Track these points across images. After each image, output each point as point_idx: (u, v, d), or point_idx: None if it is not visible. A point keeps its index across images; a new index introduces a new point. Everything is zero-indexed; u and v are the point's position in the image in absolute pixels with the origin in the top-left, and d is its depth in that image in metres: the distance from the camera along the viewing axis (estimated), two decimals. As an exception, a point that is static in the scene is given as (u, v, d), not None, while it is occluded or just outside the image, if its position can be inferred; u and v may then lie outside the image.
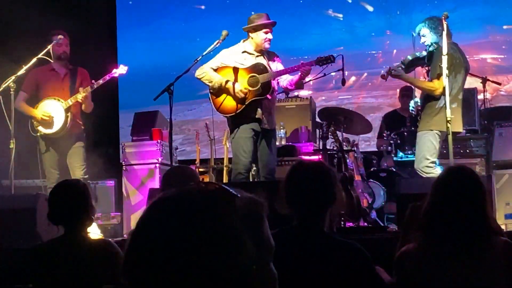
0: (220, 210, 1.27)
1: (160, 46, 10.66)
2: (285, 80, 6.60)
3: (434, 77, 6.23)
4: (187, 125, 10.55)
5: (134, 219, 7.52)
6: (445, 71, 5.96)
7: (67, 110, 6.96)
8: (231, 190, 1.32)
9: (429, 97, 6.30)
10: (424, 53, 6.45)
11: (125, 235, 7.43)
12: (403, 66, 6.48)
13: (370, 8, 10.17)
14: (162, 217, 1.26)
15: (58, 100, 6.98)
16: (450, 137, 5.90)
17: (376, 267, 3.20)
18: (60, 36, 7.03)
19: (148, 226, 1.27)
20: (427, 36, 6.39)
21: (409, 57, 6.51)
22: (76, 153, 7.07)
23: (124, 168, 7.82)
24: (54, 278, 3.38)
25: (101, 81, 7.01)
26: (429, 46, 6.39)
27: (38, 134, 6.98)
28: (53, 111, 6.95)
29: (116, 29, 10.70)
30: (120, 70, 7.17)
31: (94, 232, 5.11)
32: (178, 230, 1.23)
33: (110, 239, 3.57)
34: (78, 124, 7.18)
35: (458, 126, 6.32)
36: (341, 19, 10.29)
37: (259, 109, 6.45)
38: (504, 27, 9.60)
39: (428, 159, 6.18)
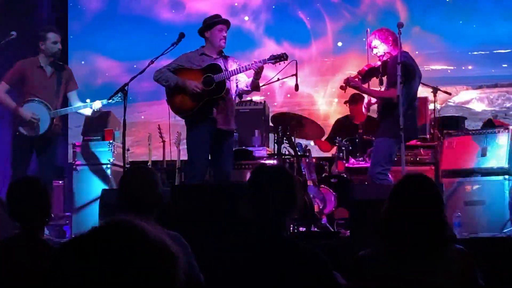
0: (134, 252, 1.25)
1: (112, 46, 10.55)
2: (243, 82, 6.62)
3: (390, 85, 6.36)
4: (137, 127, 10.45)
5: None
6: (399, 80, 6.08)
7: (52, 118, 6.90)
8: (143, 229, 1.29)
9: (387, 105, 6.42)
10: (379, 63, 6.58)
11: (73, 236, 7.34)
12: (360, 77, 6.62)
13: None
14: (79, 260, 1.24)
15: (46, 105, 6.87)
16: (403, 146, 6.01)
17: (333, 272, 3.22)
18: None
19: (64, 267, 1.25)
20: (378, 47, 6.53)
21: (365, 68, 6.64)
22: (49, 152, 7.00)
23: (75, 168, 7.72)
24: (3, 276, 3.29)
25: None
26: (382, 56, 6.52)
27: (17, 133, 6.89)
28: (41, 115, 6.85)
29: (67, 26, 10.54)
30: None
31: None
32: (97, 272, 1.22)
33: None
34: (58, 126, 7.14)
35: (414, 131, 6.51)
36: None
37: (214, 109, 6.44)
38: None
39: (382, 166, 6.28)
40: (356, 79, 6.56)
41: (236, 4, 10.33)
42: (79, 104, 7.07)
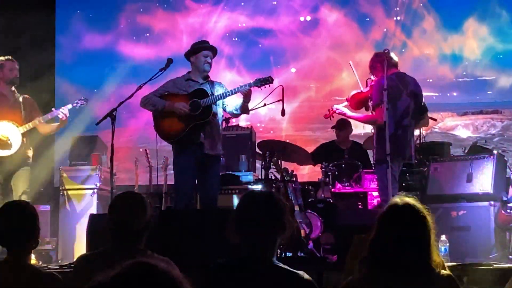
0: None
1: (98, 70, 10.59)
2: (232, 105, 6.64)
3: (373, 108, 6.49)
4: (122, 152, 10.43)
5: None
6: (386, 106, 6.16)
7: (23, 134, 6.88)
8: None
9: (379, 129, 6.48)
10: (367, 88, 6.72)
11: (60, 261, 7.32)
12: (347, 103, 6.77)
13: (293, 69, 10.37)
14: None
15: (14, 123, 6.88)
16: (389, 172, 6.05)
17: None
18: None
19: None
20: (372, 73, 6.69)
21: (353, 95, 6.83)
22: (23, 176, 6.95)
23: (62, 193, 7.71)
24: None
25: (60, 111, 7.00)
26: (372, 81, 6.67)
27: None
28: (10, 134, 6.85)
29: (55, 48, 10.60)
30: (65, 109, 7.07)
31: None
32: None
33: (57, 274, 3.43)
34: (29, 148, 7.08)
35: (403, 152, 6.58)
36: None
37: (201, 134, 6.45)
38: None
39: (385, 195, 6.30)
40: (345, 107, 6.79)
41: (197, 34, 10.38)
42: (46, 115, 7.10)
